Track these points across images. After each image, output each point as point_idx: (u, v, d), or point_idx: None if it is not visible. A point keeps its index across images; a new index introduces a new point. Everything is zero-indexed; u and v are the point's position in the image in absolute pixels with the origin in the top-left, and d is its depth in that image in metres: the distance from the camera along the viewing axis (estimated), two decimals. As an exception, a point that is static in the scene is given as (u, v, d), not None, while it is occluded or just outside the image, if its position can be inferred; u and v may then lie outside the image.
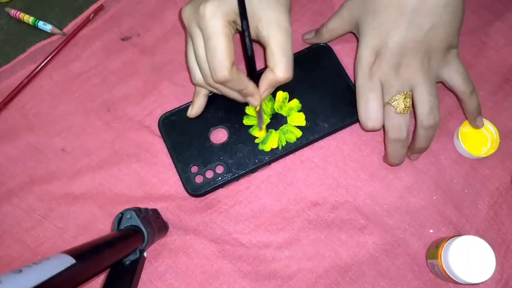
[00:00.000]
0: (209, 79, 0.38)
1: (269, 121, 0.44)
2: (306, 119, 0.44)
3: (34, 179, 0.45)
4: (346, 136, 0.45)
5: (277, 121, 0.44)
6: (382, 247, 0.42)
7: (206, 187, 0.42)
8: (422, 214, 0.42)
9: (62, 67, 0.50)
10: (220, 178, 0.43)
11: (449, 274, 0.36)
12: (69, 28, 0.51)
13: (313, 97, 0.45)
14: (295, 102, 0.45)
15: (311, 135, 0.44)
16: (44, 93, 0.49)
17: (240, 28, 0.38)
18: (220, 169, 0.43)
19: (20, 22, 0.53)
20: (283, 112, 0.45)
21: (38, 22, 0.51)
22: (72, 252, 0.26)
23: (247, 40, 0.37)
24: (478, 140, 0.43)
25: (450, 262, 0.36)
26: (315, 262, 0.41)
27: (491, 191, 0.43)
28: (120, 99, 0.48)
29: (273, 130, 0.44)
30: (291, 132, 0.44)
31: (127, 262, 0.35)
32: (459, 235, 0.38)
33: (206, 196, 0.44)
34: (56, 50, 0.50)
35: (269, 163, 0.43)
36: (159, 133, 0.45)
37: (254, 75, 0.40)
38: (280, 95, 0.45)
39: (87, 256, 0.28)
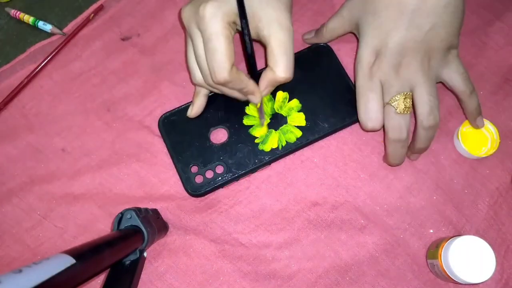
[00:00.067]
0: (209, 80, 0.38)
1: (269, 121, 0.44)
2: (306, 119, 0.44)
3: (34, 179, 0.45)
4: (346, 136, 0.45)
5: (277, 121, 0.44)
6: (382, 247, 0.42)
7: (206, 187, 0.42)
8: (422, 214, 0.42)
9: (62, 67, 0.50)
10: (220, 178, 0.43)
11: (449, 274, 0.36)
12: (69, 28, 0.51)
13: (313, 97, 0.45)
14: (295, 102, 0.45)
15: (311, 135, 0.44)
16: (44, 93, 0.49)
17: (240, 28, 0.38)
18: (220, 169, 0.43)
19: (20, 22, 0.53)
20: (283, 112, 0.45)
21: (38, 22, 0.51)
22: (72, 252, 0.26)
23: (246, 38, 0.37)
24: (478, 140, 0.43)
25: (450, 262, 0.36)
26: (315, 262, 0.41)
27: (491, 191, 0.43)
28: (120, 99, 0.48)
29: (273, 130, 0.44)
30: (291, 132, 0.44)
31: (127, 262, 0.35)
32: (459, 235, 0.38)
33: (206, 196, 0.44)
34: (56, 50, 0.50)
35: (269, 163, 0.43)
36: (159, 133, 0.45)
37: (255, 74, 0.40)
38: (280, 95, 0.45)
39: (87, 256, 0.28)
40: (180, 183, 0.43)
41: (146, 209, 0.39)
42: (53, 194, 0.45)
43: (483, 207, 0.42)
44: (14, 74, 0.49)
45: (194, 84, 0.43)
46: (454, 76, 0.41)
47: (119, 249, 0.32)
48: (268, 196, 0.44)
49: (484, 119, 0.43)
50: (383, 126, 0.40)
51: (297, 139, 0.44)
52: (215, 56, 0.35)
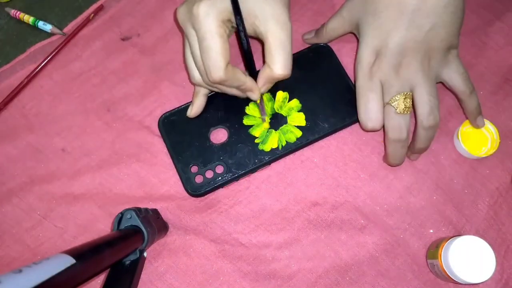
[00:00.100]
0: (207, 79, 0.38)
1: (269, 121, 0.44)
2: (306, 119, 0.44)
3: (34, 179, 0.45)
4: (346, 136, 0.45)
5: (277, 121, 0.44)
6: (382, 247, 0.42)
7: (206, 187, 0.42)
8: (422, 214, 0.42)
9: (62, 67, 0.50)
10: (220, 178, 0.43)
11: (449, 274, 0.36)
12: (69, 28, 0.51)
13: (313, 97, 0.45)
14: (295, 102, 0.45)
15: (311, 135, 0.44)
16: (44, 93, 0.49)
17: (235, 26, 0.37)
18: (220, 169, 0.43)
19: (20, 22, 0.53)
20: (283, 112, 0.45)
21: (38, 22, 0.51)
22: (72, 252, 0.26)
23: (242, 35, 0.37)
24: (478, 140, 0.43)
25: (450, 262, 0.36)
26: (315, 262, 0.41)
27: (491, 191, 0.43)
28: (120, 99, 0.48)
29: (273, 130, 0.44)
30: (291, 132, 0.44)
31: (127, 262, 0.35)
32: (459, 235, 0.38)
33: (206, 196, 0.44)
34: (56, 50, 0.50)
35: (269, 163, 0.43)
36: (159, 133, 0.45)
37: (253, 70, 0.40)
38: (280, 95, 0.45)
39: (87, 256, 0.28)
40: (180, 183, 0.43)
41: (146, 209, 0.39)
42: (53, 194, 0.45)
43: (483, 207, 0.42)
44: (14, 74, 0.49)
45: (194, 84, 0.43)
46: (454, 76, 0.41)
47: (119, 249, 0.32)
48: (268, 196, 0.44)
49: (484, 119, 0.43)
50: (383, 126, 0.40)
51: (297, 139, 0.44)
52: (209, 54, 0.35)
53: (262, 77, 0.39)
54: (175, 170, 0.44)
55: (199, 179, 0.43)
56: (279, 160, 0.44)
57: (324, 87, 0.45)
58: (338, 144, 0.45)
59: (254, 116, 0.45)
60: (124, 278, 0.34)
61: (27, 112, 0.48)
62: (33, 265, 0.23)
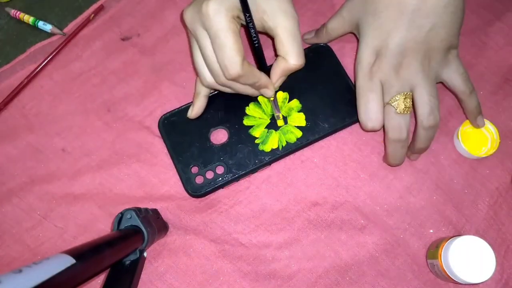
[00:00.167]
0: (221, 78, 0.38)
1: (269, 121, 0.44)
2: (306, 119, 0.44)
3: (34, 179, 0.45)
4: (346, 136, 0.45)
5: (277, 121, 0.44)
6: (382, 247, 0.42)
7: (207, 188, 0.42)
8: (422, 214, 0.42)
9: (62, 67, 0.50)
10: (220, 178, 0.43)
11: (449, 274, 0.37)
12: (69, 28, 0.51)
13: (313, 97, 0.45)
14: (295, 103, 0.45)
15: (311, 135, 0.44)
16: (44, 93, 0.49)
17: (244, 22, 0.38)
18: (220, 170, 0.43)
19: (20, 22, 0.53)
20: (283, 113, 0.45)
21: (38, 22, 0.51)
22: (72, 252, 0.26)
23: (252, 31, 0.37)
24: (478, 140, 0.43)
25: (450, 262, 0.36)
26: (315, 262, 0.41)
27: (491, 191, 0.43)
28: (120, 99, 0.48)
29: (273, 130, 0.44)
30: (291, 132, 0.44)
31: (127, 262, 0.35)
32: (459, 235, 0.38)
33: (206, 196, 0.44)
34: (56, 50, 0.50)
35: (269, 163, 0.43)
36: (159, 134, 0.45)
37: (264, 66, 0.40)
38: (280, 95, 0.45)
39: (87, 256, 0.28)
40: (180, 183, 0.43)
41: (146, 209, 0.39)
42: (53, 194, 0.45)
43: (483, 207, 0.42)
44: (14, 74, 0.49)
45: (196, 85, 0.42)
46: (454, 76, 0.41)
47: (119, 249, 0.32)
48: (268, 196, 0.44)
49: (484, 119, 0.43)
50: (383, 126, 0.40)
51: (297, 139, 0.44)
52: (225, 51, 0.35)
53: (276, 71, 0.39)
54: (175, 170, 0.44)
55: (199, 180, 0.43)
56: (279, 160, 0.44)
57: (324, 87, 0.45)
58: (338, 144, 0.45)
59: (254, 117, 0.45)
60: (124, 278, 0.34)
61: (27, 112, 0.48)
62: (33, 265, 0.23)
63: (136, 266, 0.35)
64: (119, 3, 0.52)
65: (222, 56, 0.35)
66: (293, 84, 0.43)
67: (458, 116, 0.45)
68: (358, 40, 0.42)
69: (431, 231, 0.42)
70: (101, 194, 0.44)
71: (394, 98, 0.39)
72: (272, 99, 0.42)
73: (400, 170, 0.44)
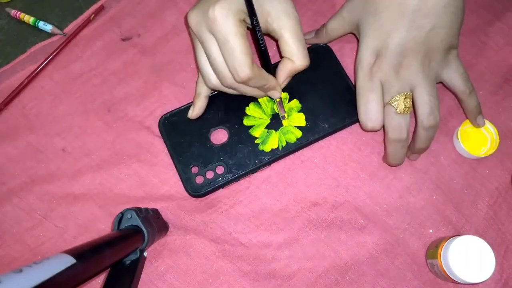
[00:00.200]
0: (227, 81, 0.38)
1: (269, 121, 0.44)
2: (306, 119, 0.44)
3: (34, 179, 0.46)
4: (346, 136, 0.45)
5: (277, 121, 0.44)
6: (382, 247, 0.42)
7: (207, 188, 0.43)
8: (421, 214, 0.42)
9: (62, 68, 0.50)
10: (220, 178, 0.43)
11: (448, 274, 0.37)
12: (69, 28, 0.51)
13: (313, 98, 0.45)
14: (295, 103, 0.45)
15: (311, 135, 0.44)
16: (44, 94, 0.49)
17: (249, 25, 0.38)
18: (220, 170, 0.43)
19: (21, 22, 0.53)
20: (283, 112, 0.45)
21: (38, 22, 0.52)
22: (72, 252, 0.26)
23: (259, 35, 0.37)
24: (477, 140, 0.43)
25: (450, 262, 0.36)
26: (315, 262, 0.41)
27: (491, 191, 0.43)
28: (121, 99, 0.48)
29: (273, 130, 0.44)
30: (291, 132, 0.44)
31: (128, 262, 0.35)
32: (459, 235, 0.38)
33: (206, 196, 0.44)
34: (57, 51, 0.50)
35: (269, 163, 0.43)
36: (159, 134, 0.45)
37: (270, 68, 0.40)
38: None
39: (87, 256, 0.28)
40: (180, 183, 0.43)
41: (147, 209, 0.39)
42: (54, 194, 0.45)
43: (483, 207, 0.42)
44: (15, 74, 0.50)
45: (208, 87, 0.42)
46: (454, 76, 0.41)
47: (119, 249, 0.32)
48: (268, 196, 0.44)
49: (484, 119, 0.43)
50: (383, 126, 0.40)
51: (297, 139, 0.44)
52: (235, 55, 0.35)
53: (283, 72, 0.40)
54: (175, 170, 0.44)
55: (199, 180, 0.43)
56: (279, 161, 0.44)
57: (324, 87, 0.46)
58: (338, 144, 0.45)
59: (254, 117, 0.45)
60: (125, 278, 0.34)
61: (27, 112, 0.48)
62: (33, 265, 0.23)
63: (137, 266, 0.35)
64: (119, 3, 0.52)
65: (232, 59, 0.35)
66: (293, 84, 0.43)
67: (458, 116, 0.45)
68: (358, 41, 0.42)
69: (431, 231, 0.42)
70: (101, 194, 0.45)
71: (394, 98, 0.39)
72: (278, 100, 0.42)
73: (400, 170, 0.44)
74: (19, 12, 0.52)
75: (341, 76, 0.46)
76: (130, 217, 0.36)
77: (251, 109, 0.45)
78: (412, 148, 0.42)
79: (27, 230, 0.44)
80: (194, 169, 0.43)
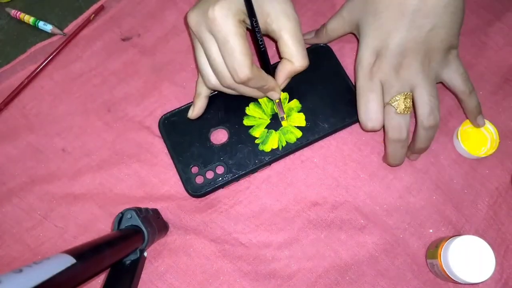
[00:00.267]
0: (227, 81, 0.38)
1: (269, 121, 0.44)
2: (306, 119, 0.44)
3: (34, 179, 0.46)
4: (346, 136, 0.45)
5: (277, 121, 0.44)
6: (382, 247, 0.42)
7: (207, 188, 0.43)
8: (421, 214, 0.43)
9: (62, 68, 0.50)
10: (220, 178, 0.43)
11: (448, 274, 0.37)
12: (69, 28, 0.51)
13: (313, 98, 0.45)
14: (295, 103, 0.45)
15: (311, 135, 0.44)
16: (44, 94, 0.49)
17: (249, 26, 0.38)
18: (220, 170, 0.43)
19: (21, 22, 0.53)
20: (283, 112, 0.45)
21: (38, 22, 0.52)
22: (72, 252, 0.26)
23: (258, 36, 0.37)
24: (477, 140, 0.43)
25: (450, 262, 0.36)
26: (315, 262, 0.41)
27: (491, 191, 0.43)
28: (121, 99, 0.48)
29: (273, 130, 0.44)
30: (291, 132, 0.44)
31: (128, 262, 0.35)
32: (459, 235, 0.38)
33: (206, 196, 0.44)
34: (57, 51, 0.50)
35: (269, 163, 0.44)
36: (159, 134, 0.45)
37: (269, 69, 0.40)
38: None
39: (87, 255, 0.28)
40: (180, 183, 0.43)
41: (147, 209, 0.39)
42: (54, 194, 0.45)
43: (483, 207, 0.42)
44: (15, 74, 0.50)
45: (207, 87, 0.42)
46: (454, 76, 0.41)
47: (119, 249, 0.32)
48: (268, 196, 0.44)
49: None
50: (383, 126, 0.40)
51: (297, 139, 0.44)
52: (234, 56, 0.35)
53: (282, 73, 0.40)
54: (175, 170, 0.44)
55: (199, 180, 0.43)
56: (279, 161, 0.44)
57: (324, 87, 0.46)
58: (338, 144, 0.45)
59: (254, 117, 0.45)
60: (125, 277, 0.34)
61: (27, 112, 0.48)
62: (33, 265, 0.23)
63: (137, 266, 0.35)
64: (119, 3, 0.52)
65: (231, 60, 0.35)
66: (293, 84, 0.44)
67: (458, 116, 0.45)
68: (358, 41, 0.42)
69: (431, 231, 0.42)
70: (101, 194, 0.45)
71: (394, 98, 0.39)
72: (277, 101, 0.42)
73: (400, 170, 0.44)
74: (19, 12, 0.52)
75: (341, 76, 0.46)
76: (130, 217, 0.36)
77: (251, 109, 0.45)
78: (412, 148, 0.42)
79: (27, 230, 0.44)
80: (194, 169, 0.43)
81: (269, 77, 0.39)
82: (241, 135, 0.44)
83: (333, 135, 0.45)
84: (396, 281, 0.41)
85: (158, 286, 0.41)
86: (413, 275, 0.41)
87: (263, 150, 0.43)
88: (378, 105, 0.39)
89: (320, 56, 0.47)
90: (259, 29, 0.37)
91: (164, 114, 0.45)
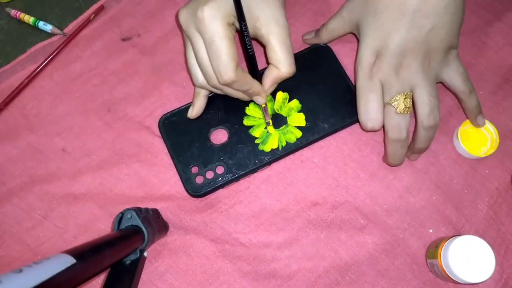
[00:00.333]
0: (213, 81, 0.38)
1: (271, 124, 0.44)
2: (306, 119, 0.44)
3: (34, 179, 0.46)
4: (346, 136, 0.45)
5: (277, 121, 0.44)
6: (382, 247, 0.42)
7: (207, 188, 0.43)
8: (421, 214, 0.42)
9: (62, 68, 0.50)
10: (220, 178, 0.43)
11: (448, 273, 0.37)
12: (69, 28, 0.51)
13: (313, 98, 0.45)
14: (295, 103, 0.45)
15: (311, 135, 0.44)
16: (44, 94, 0.49)
17: (238, 29, 0.38)
18: (220, 170, 0.43)
19: (21, 22, 0.53)
20: (283, 113, 0.45)
21: (38, 22, 0.52)
22: (72, 252, 0.26)
23: (247, 40, 0.37)
24: (477, 140, 0.43)
25: (450, 262, 0.36)
26: (315, 262, 0.41)
27: (491, 191, 0.43)
28: (121, 99, 0.48)
29: (273, 130, 0.44)
30: (291, 132, 0.44)
31: (128, 262, 0.35)
32: (459, 234, 0.38)
33: (206, 196, 0.44)
34: (57, 51, 0.50)
35: (269, 163, 0.44)
36: (159, 134, 0.45)
37: (257, 74, 0.40)
38: (280, 95, 0.45)
39: (87, 256, 0.28)
40: (180, 183, 0.43)
41: (147, 209, 0.39)
42: (54, 194, 0.45)
43: (483, 207, 0.42)
44: (15, 74, 0.50)
45: (194, 85, 0.43)
46: (454, 76, 0.41)
47: (119, 249, 0.32)
48: (268, 196, 0.44)
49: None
50: (383, 126, 0.40)
51: (297, 139, 0.44)
52: (219, 57, 0.35)
53: (268, 79, 0.39)
54: (175, 170, 0.44)
55: (199, 180, 0.43)
56: (279, 160, 0.44)
57: (324, 87, 0.46)
58: (338, 144, 0.45)
59: (254, 117, 0.45)
60: (125, 278, 0.34)
61: (27, 112, 0.48)
62: (33, 265, 0.23)
63: (137, 266, 0.35)
64: (119, 4, 0.52)
65: (216, 61, 0.36)
66: (293, 84, 0.44)
67: (458, 116, 0.45)
68: (358, 41, 0.42)
69: (431, 231, 0.42)
70: (101, 194, 0.45)
71: (394, 98, 0.39)
72: (263, 106, 0.42)
73: (400, 170, 0.44)
74: (19, 12, 0.52)
75: (341, 76, 0.46)
76: (130, 217, 0.36)
77: (251, 109, 0.45)
78: (412, 148, 0.42)
79: (27, 230, 0.44)
80: (194, 169, 0.43)
81: (255, 82, 0.39)
82: (241, 135, 0.44)
83: (333, 135, 0.45)
84: (396, 281, 0.41)
85: (158, 286, 0.41)
86: (413, 275, 0.41)
87: (263, 150, 0.43)
88: (378, 105, 0.39)
89: (320, 56, 0.47)
90: (248, 33, 0.37)
91: (164, 114, 0.45)
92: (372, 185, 0.43)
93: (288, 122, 0.44)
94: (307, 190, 0.44)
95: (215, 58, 0.36)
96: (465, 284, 0.37)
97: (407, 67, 0.39)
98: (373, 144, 0.45)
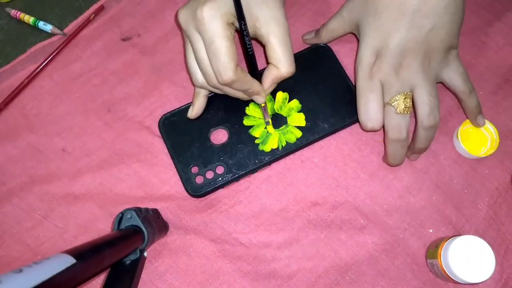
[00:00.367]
0: (212, 81, 0.38)
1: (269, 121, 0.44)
2: (306, 119, 0.44)
3: (34, 179, 0.46)
4: (346, 136, 0.45)
5: (277, 121, 0.44)
6: (382, 247, 0.42)
7: (207, 188, 0.43)
8: (421, 214, 0.42)
9: (62, 68, 0.50)
10: (220, 178, 0.43)
11: (448, 273, 0.37)
12: (69, 28, 0.51)
13: (313, 98, 0.45)
14: (295, 103, 0.45)
15: (311, 135, 0.44)
16: (44, 94, 0.49)
17: (238, 29, 0.38)
18: (220, 170, 0.43)
19: (21, 22, 0.53)
20: (283, 113, 0.45)
21: (38, 22, 0.52)
22: (72, 252, 0.26)
23: (246, 39, 0.37)
24: (477, 140, 0.43)
25: (450, 262, 0.36)
26: (315, 262, 0.41)
27: (491, 191, 0.43)
28: (121, 99, 0.48)
29: (273, 130, 0.44)
30: (291, 132, 0.44)
31: (128, 262, 0.35)
32: (459, 234, 0.38)
33: (206, 196, 0.44)
34: (57, 51, 0.50)
35: (269, 163, 0.44)
36: (159, 134, 0.45)
37: (256, 74, 0.40)
38: (280, 95, 0.45)
39: (87, 256, 0.28)
40: (180, 183, 0.43)
41: (147, 209, 0.39)
42: (54, 194, 0.45)
43: (483, 207, 0.42)
44: (15, 74, 0.50)
45: (194, 85, 0.43)
46: (454, 76, 0.41)
47: (119, 249, 0.32)
48: (268, 196, 0.44)
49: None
50: (383, 126, 0.40)
51: (297, 139, 0.44)
52: (219, 57, 0.35)
53: (268, 78, 0.39)
54: (175, 170, 0.44)
55: (199, 180, 0.43)
56: (279, 160, 0.44)
57: (324, 87, 0.46)
58: (338, 144, 0.45)
59: (254, 117, 0.45)
60: (125, 278, 0.34)
61: (27, 112, 0.48)
62: (33, 265, 0.23)
63: (137, 266, 0.35)
64: (119, 4, 0.52)
65: (216, 61, 0.36)
66: (293, 84, 0.44)
67: (458, 116, 0.45)
68: (358, 41, 0.42)
69: (431, 231, 0.42)
70: (101, 194, 0.45)
71: (394, 98, 0.39)
72: (263, 105, 0.42)
73: (400, 170, 0.44)
74: (19, 12, 0.52)
75: (341, 76, 0.46)
76: (130, 217, 0.36)
77: (251, 109, 0.45)
78: (412, 148, 0.42)
79: (27, 230, 0.44)
80: (194, 169, 0.43)
81: (255, 81, 0.39)
82: (241, 135, 0.44)
83: (333, 135, 0.45)
84: (396, 281, 0.41)
85: (158, 286, 0.41)
86: (413, 275, 0.41)
87: (263, 150, 0.43)
88: (378, 105, 0.39)
89: (320, 56, 0.47)
90: (247, 32, 0.37)
91: (164, 114, 0.45)
92: (372, 185, 0.43)
93: (288, 122, 0.44)
94: (307, 190, 0.44)
95: (214, 58, 0.35)
96: (465, 284, 0.37)
97: (407, 67, 0.39)
98: (373, 144, 0.45)
